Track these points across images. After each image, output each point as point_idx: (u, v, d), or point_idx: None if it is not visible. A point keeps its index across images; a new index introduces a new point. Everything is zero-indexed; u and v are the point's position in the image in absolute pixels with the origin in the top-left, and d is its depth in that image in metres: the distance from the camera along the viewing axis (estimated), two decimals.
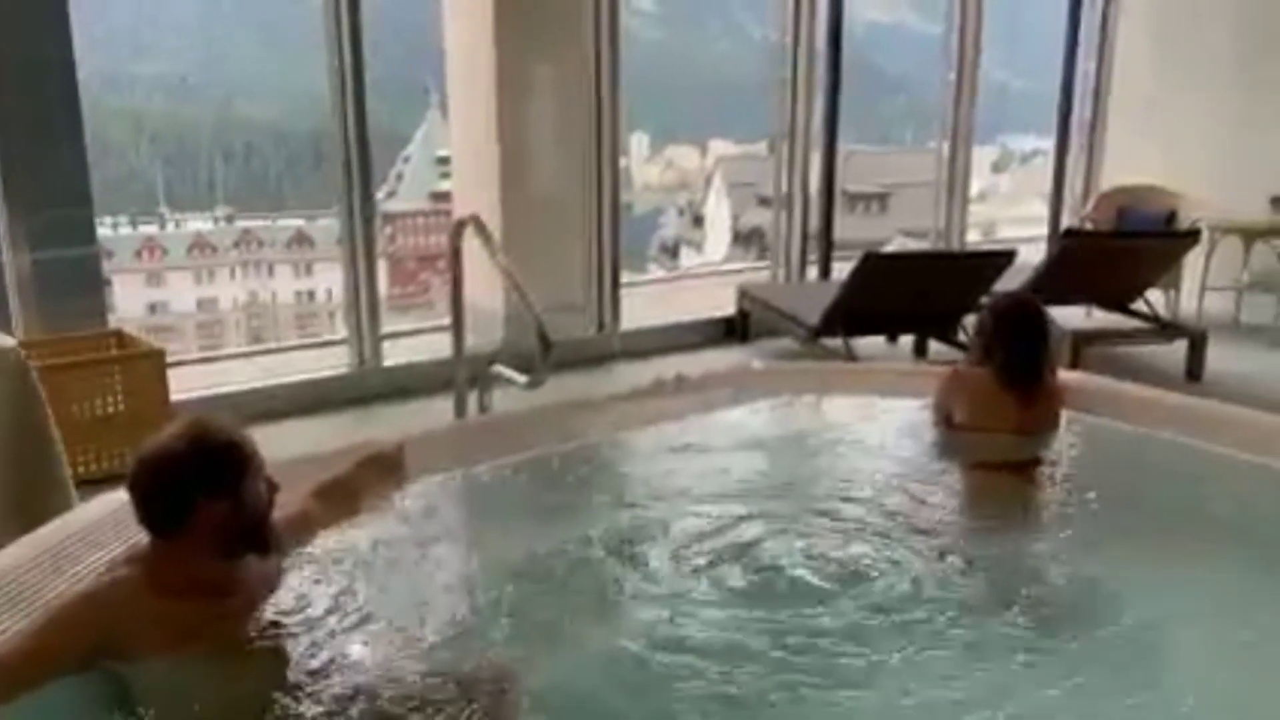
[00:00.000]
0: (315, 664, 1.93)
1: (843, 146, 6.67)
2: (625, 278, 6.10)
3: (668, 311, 6.32)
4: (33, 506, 2.80)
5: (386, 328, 5.32)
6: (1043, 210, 10.16)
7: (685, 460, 3.24)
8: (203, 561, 1.87)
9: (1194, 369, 5.45)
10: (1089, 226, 6.56)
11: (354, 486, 2.46)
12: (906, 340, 5.88)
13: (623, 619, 2.31)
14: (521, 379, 3.64)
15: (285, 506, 2.08)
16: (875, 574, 2.48)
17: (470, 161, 5.77)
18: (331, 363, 5.20)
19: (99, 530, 2.19)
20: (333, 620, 2.07)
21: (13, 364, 3.02)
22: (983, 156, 8.82)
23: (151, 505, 1.84)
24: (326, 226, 7.96)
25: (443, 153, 8.86)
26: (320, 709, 1.85)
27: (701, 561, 2.52)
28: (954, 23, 7.08)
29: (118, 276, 6.90)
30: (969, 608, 2.35)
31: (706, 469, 3.21)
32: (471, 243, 3.84)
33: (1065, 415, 3.21)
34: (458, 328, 3.96)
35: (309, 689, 1.88)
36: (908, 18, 10.32)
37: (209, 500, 1.83)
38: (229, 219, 8.15)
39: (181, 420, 1.92)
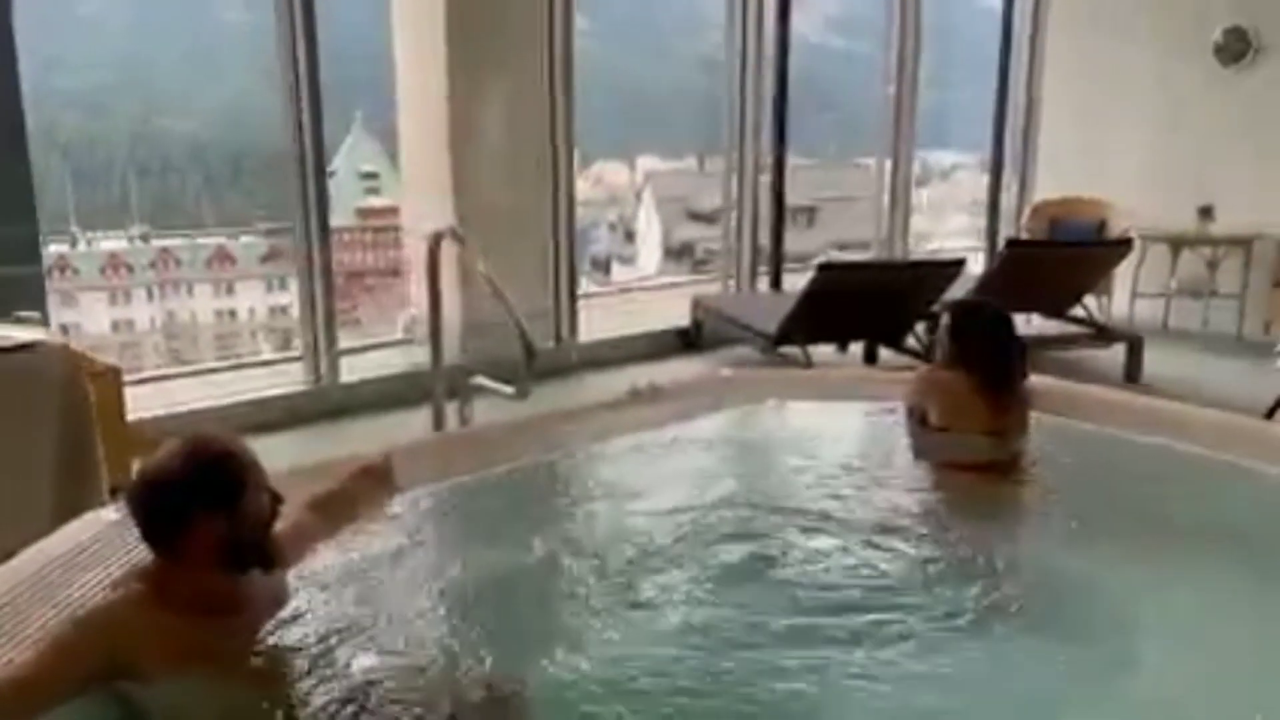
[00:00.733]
0: (319, 678, 1.91)
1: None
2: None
3: (609, 326, 6.34)
4: (76, 502, 2.73)
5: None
6: (965, 222, 10.50)
7: (667, 466, 3.26)
8: (206, 577, 1.84)
9: (1132, 372, 5.68)
10: (1026, 236, 6.79)
11: (348, 499, 2.44)
12: (856, 348, 5.98)
13: (614, 625, 2.31)
14: (507, 390, 3.58)
15: (282, 521, 2.04)
16: (857, 573, 2.52)
17: (421, 175, 5.68)
18: (281, 380, 5.06)
19: (83, 553, 2.15)
20: (334, 634, 2.04)
21: (62, 363, 3.09)
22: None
23: (151, 522, 1.83)
24: (249, 244, 7.75)
25: (368, 168, 8.72)
26: None
27: (687, 565, 2.54)
28: (893, 43, 7.29)
29: None
30: (947, 605, 2.38)
31: (688, 475, 3.23)
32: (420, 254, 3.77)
33: (1033, 417, 3.28)
34: (435, 340, 3.88)
35: (315, 704, 1.86)
36: (832, 38, 10.55)
37: (206, 515, 1.81)
38: (144, 237, 7.87)
39: (180, 437, 1.90)
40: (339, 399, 4.84)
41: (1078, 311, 6.15)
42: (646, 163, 10.97)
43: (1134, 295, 6.54)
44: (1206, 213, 6.33)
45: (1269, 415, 4.32)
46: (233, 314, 7.93)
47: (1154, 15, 6.65)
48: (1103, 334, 5.99)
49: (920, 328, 5.84)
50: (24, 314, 3.51)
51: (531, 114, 5.53)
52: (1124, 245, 6.01)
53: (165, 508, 1.82)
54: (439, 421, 3.86)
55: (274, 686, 1.88)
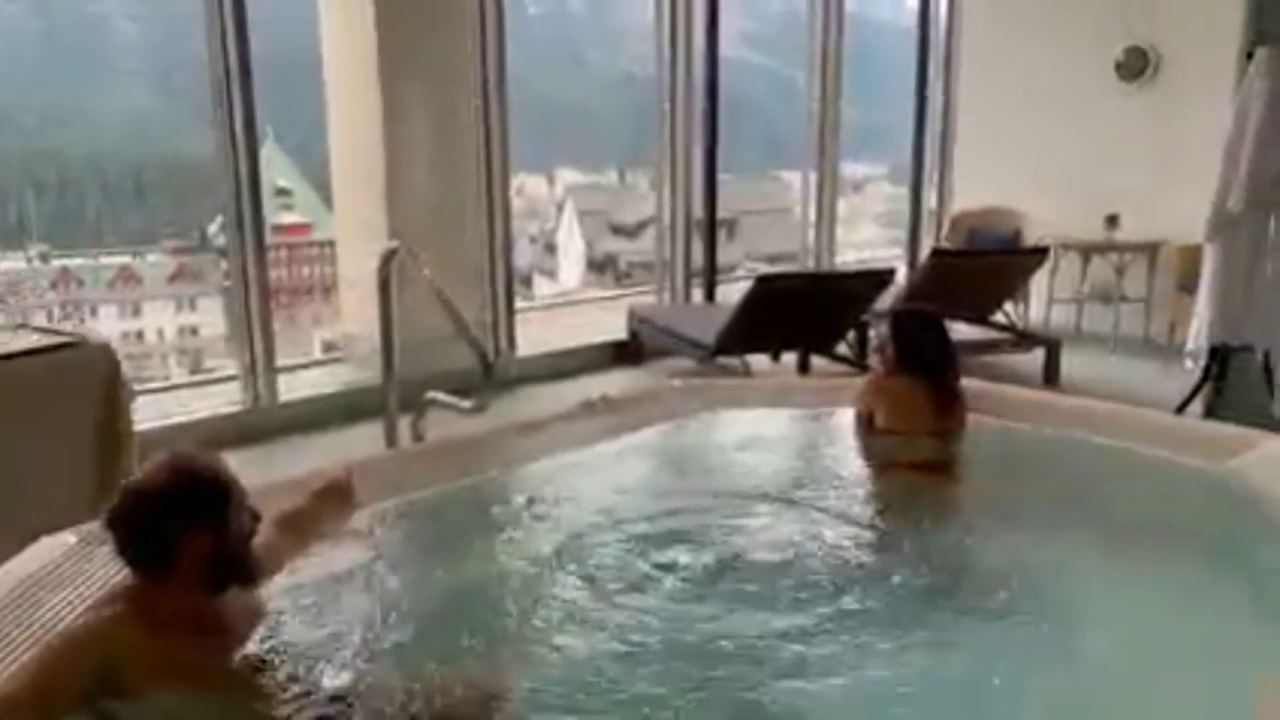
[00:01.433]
0: (300, 694, 1.91)
1: (694, 174, 6.88)
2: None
3: (542, 339, 6.35)
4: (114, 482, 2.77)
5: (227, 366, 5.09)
6: (876, 233, 10.77)
7: (623, 475, 3.30)
8: (190, 595, 1.85)
9: (1050, 374, 5.92)
10: (946, 246, 7.01)
11: (313, 515, 2.46)
12: (789, 356, 6.09)
13: (581, 627, 2.34)
14: (464, 404, 3.56)
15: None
16: (811, 570, 2.58)
17: (353, 190, 5.59)
18: (212, 401, 4.92)
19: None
20: (311, 649, 2.05)
21: (103, 359, 3.35)
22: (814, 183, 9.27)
23: (137, 541, 1.83)
24: (155, 262, 7.50)
25: (282, 184, 8.53)
26: None
27: (650, 569, 2.58)
28: (815, 59, 7.47)
29: None
30: (896, 596, 2.48)
31: (645, 482, 3.31)
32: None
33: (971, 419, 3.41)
34: (388, 355, 3.83)
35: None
36: (748, 53, 10.73)
37: (193, 532, 1.82)
38: (43, 257, 7.54)
39: (161, 456, 1.90)
40: (278, 420, 4.73)
41: (998, 318, 6.39)
42: (566, 176, 10.98)
43: (1050, 301, 6.81)
44: (1113, 221, 6.63)
45: (1179, 410, 4.57)
46: (140, 335, 7.66)
47: (1059, 36, 6.95)
48: (1023, 338, 6.23)
49: (851, 335, 6.00)
50: None
51: (465, 128, 5.50)
52: (1041, 253, 6.26)
53: (155, 524, 1.81)
54: (391, 437, 3.83)
55: (256, 703, 1.88)
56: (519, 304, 6.23)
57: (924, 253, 7.38)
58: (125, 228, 7.53)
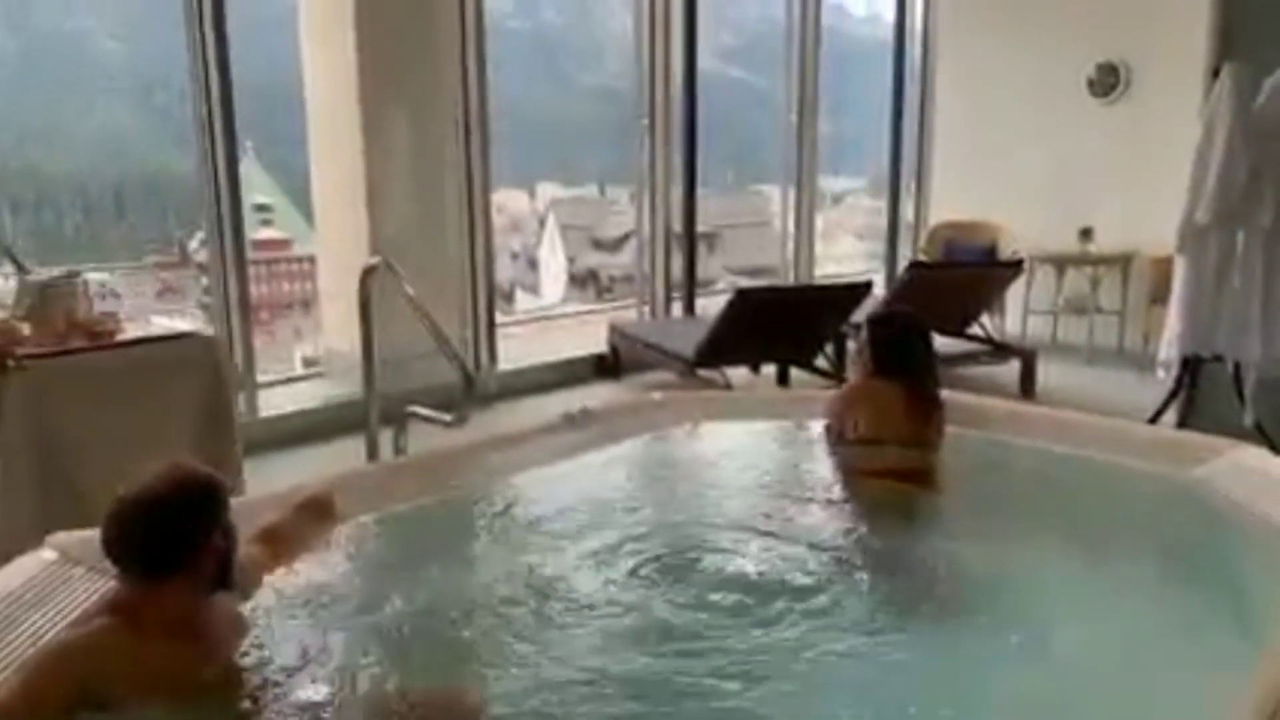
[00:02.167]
0: (282, 705, 1.93)
1: (673, 188, 6.93)
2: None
3: (523, 353, 6.36)
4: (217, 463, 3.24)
5: None
6: (855, 246, 10.84)
7: (605, 487, 3.31)
8: (188, 598, 1.88)
9: (1027, 385, 5.99)
10: (923, 259, 7.08)
11: (293, 531, 2.48)
12: (768, 369, 6.13)
13: (559, 644, 2.34)
14: (445, 418, 3.57)
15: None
16: (792, 578, 2.59)
17: (334, 205, 5.60)
18: None
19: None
20: (293, 662, 2.07)
21: (211, 350, 3.82)
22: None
23: (157, 544, 1.85)
24: (134, 279, 7.47)
25: (260, 200, 8.53)
26: None
27: (630, 580, 2.60)
28: (793, 73, 7.55)
29: None
30: (879, 607, 2.51)
31: (626, 494, 3.29)
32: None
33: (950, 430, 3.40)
34: (369, 370, 3.84)
35: None
36: (727, 68, 10.81)
37: (213, 533, 1.89)
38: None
39: (159, 466, 1.92)
40: (260, 432, 4.72)
41: (975, 330, 6.46)
42: (547, 190, 11.01)
43: (1026, 312, 6.88)
44: (1087, 234, 6.71)
45: (1153, 420, 4.64)
46: None
47: (1033, 52, 7.04)
48: (999, 350, 6.30)
49: (829, 348, 6.05)
50: None
51: (445, 143, 5.53)
52: (1016, 266, 6.34)
53: (179, 529, 1.85)
54: (373, 451, 3.84)
55: (239, 713, 1.90)
56: (501, 319, 6.25)
57: (902, 265, 7.44)
58: (104, 245, 7.52)
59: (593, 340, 6.46)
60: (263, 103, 6.60)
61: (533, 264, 10.96)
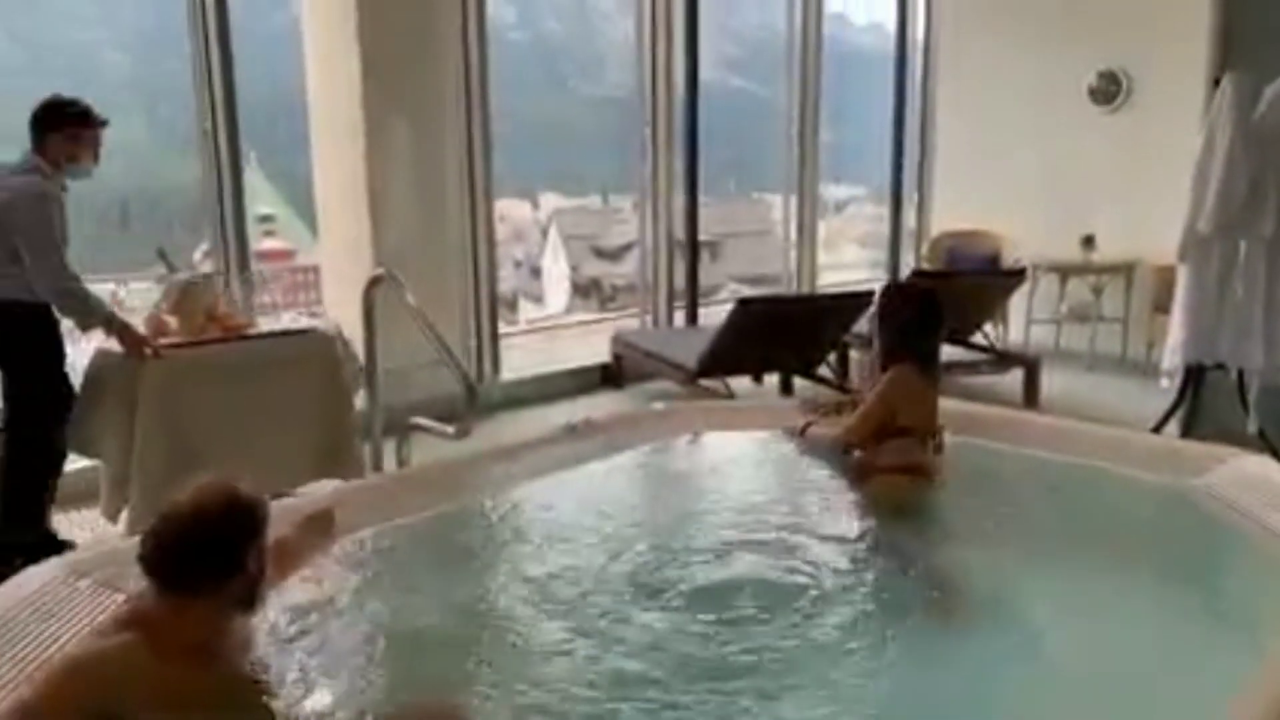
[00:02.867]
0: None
1: (675, 197, 6.95)
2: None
3: (527, 363, 6.37)
4: (336, 456, 4.09)
5: None
6: (858, 254, 10.84)
7: (606, 498, 3.30)
8: (214, 623, 1.88)
9: (1030, 394, 5.97)
10: (926, 267, 7.08)
11: (294, 546, 2.45)
12: (771, 378, 6.14)
13: (562, 654, 2.34)
14: (448, 429, 3.58)
15: None
16: (797, 591, 2.58)
17: (337, 215, 5.61)
18: None
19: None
20: (287, 676, 2.06)
21: (330, 345, 4.17)
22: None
23: (194, 560, 1.82)
24: (141, 290, 7.50)
25: (264, 210, 8.56)
26: None
27: (623, 594, 2.58)
28: (795, 82, 7.57)
29: None
30: (886, 612, 2.51)
31: (629, 505, 3.30)
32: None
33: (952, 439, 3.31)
34: (371, 381, 3.86)
35: None
36: (727, 76, 10.82)
37: (249, 557, 1.87)
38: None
39: (206, 482, 1.90)
40: None
41: (978, 338, 6.46)
42: (549, 200, 11.03)
43: (1028, 321, 6.88)
44: (1089, 242, 6.71)
45: (1157, 429, 4.64)
46: None
47: (1034, 61, 7.06)
48: (1002, 359, 6.29)
49: (832, 357, 6.05)
50: None
51: (448, 153, 5.54)
52: (1019, 274, 6.34)
53: (228, 541, 1.85)
54: (377, 462, 3.87)
55: None
56: (504, 328, 6.26)
57: (904, 273, 7.45)
58: (110, 256, 7.55)
59: (596, 350, 6.48)
60: (268, 111, 6.62)
61: (536, 273, 10.98)
